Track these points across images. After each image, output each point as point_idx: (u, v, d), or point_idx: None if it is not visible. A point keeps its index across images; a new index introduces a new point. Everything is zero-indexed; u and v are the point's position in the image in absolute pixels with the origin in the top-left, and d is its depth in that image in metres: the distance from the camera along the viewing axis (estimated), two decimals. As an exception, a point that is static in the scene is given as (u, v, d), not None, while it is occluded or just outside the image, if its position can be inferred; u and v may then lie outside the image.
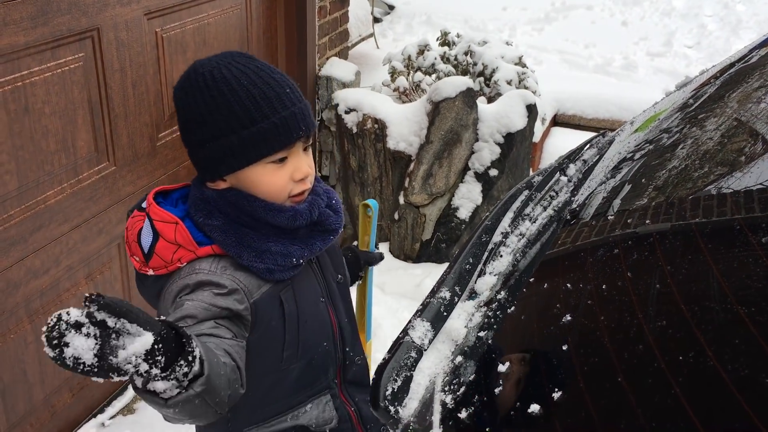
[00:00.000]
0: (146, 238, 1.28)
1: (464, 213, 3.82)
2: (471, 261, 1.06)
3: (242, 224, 1.27)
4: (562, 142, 4.50)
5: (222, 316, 1.21)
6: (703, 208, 1.05)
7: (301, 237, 1.31)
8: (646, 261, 0.98)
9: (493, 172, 3.75)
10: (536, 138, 4.19)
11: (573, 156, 1.31)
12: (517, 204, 1.18)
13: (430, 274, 3.74)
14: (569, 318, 0.85)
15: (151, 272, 1.29)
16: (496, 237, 1.10)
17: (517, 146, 3.76)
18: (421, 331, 0.99)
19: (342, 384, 1.54)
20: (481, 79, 4.16)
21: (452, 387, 0.91)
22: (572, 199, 1.15)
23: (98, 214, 2.55)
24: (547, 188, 1.20)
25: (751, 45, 1.49)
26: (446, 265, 3.89)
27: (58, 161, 2.32)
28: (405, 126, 3.74)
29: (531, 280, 1.04)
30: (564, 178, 1.23)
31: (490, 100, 4.09)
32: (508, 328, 0.94)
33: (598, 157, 1.27)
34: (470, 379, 0.88)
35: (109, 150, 2.54)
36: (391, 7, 7.43)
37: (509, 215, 1.14)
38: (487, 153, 3.73)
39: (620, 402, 0.70)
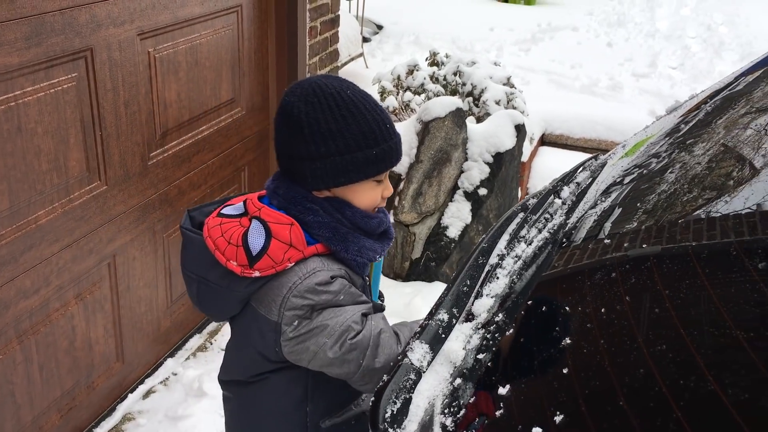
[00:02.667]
0: (257, 240, 1.36)
1: (454, 232, 3.84)
2: (468, 283, 1.07)
3: (341, 225, 1.43)
4: (550, 161, 4.55)
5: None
6: (693, 232, 1.08)
7: (377, 239, 1.50)
8: (641, 283, 0.99)
9: (483, 191, 3.77)
10: (525, 157, 4.23)
11: (566, 179, 1.33)
12: (512, 226, 1.19)
13: (419, 292, 3.75)
14: (568, 341, 0.86)
15: (256, 273, 1.36)
16: (493, 259, 1.11)
17: (506, 165, 3.79)
18: (419, 353, 1.00)
19: None
20: (470, 99, 4.20)
21: (452, 409, 0.92)
22: (566, 221, 1.17)
23: (89, 234, 2.54)
24: (541, 211, 1.22)
25: (738, 72, 1.53)
26: (436, 283, 3.91)
27: (49, 181, 2.31)
28: (395, 145, 3.76)
29: (528, 302, 1.05)
30: (558, 201, 1.25)
31: (479, 119, 4.13)
32: (506, 350, 0.95)
33: (591, 179, 1.30)
34: (470, 401, 0.89)
35: (100, 169, 2.54)
36: (380, 27, 7.50)
37: (505, 237, 1.16)
38: (476, 172, 3.76)
39: (621, 425, 0.71)
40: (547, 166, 4.48)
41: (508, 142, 3.72)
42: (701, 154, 1.27)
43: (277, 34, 3.66)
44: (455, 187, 3.83)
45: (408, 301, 3.66)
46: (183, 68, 2.92)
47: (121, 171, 2.65)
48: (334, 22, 4.36)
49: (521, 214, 1.22)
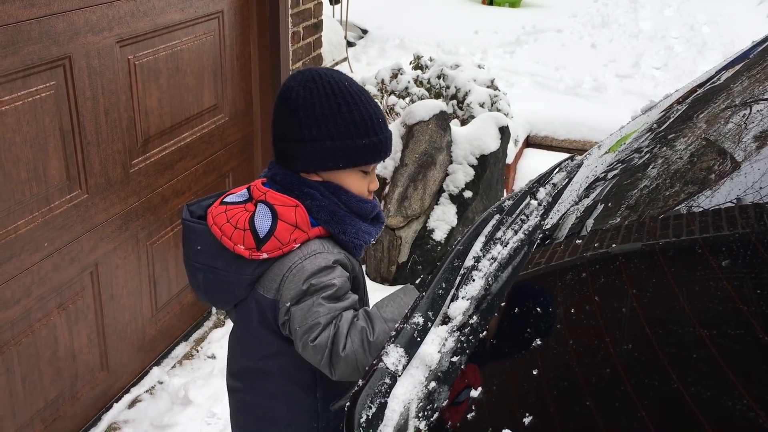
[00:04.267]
0: (264, 222, 1.41)
1: (440, 235, 3.84)
2: (444, 286, 1.07)
3: (339, 209, 1.48)
4: (535, 163, 4.56)
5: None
6: (673, 228, 1.08)
7: (371, 223, 1.56)
8: (615, 283, 0.99)
9: (468, 194, 3.78)
10: (509, 159, 4.23)
11: (543, 180, 1.33)
12: (488, 228, 1.19)
13: (406, 296, 3.74)
14: (539, 342, 0.86)
15: (264, 256, 1.41)
16: (469, 261, 1.11)
17: (491, 168, 3.80)
18: (394, 357, 0.99)
19: None
20: (454, 102, 4.21)
21: (426, 413, 0.91)
22: (542, 222, 1.17)
23: (70, 243, 2.52)
24: (517, 212, 1.22)
25: (718, 66, 1.53)
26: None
27: (29, 190, 2.29)
28: (379, 149, 3.76)
29: (503, 304, 1.05)
30: (534, 202, 1.25)
31: (464, 122, 4.14)
32: (480, 353, 0.95)
33: (567, 180, 1.30)
34: (444, 404, 0.89)
35: (81, 178, 2.52)
36: (365, 31, 7.51)
37: (481, 239, 1.16)
38: (461, 175, 3.76)
39: (589, 426, 0.71)
40: (532, 168, 4.49)
41: (492, 144, 3.73)
42: (683, 148, 1.28)
43: (260, 40, 3.66)
44: (440, 190, 3.83)
45: (395, 304, 3.65)
46: (164, 75, 2.91)
47: (103, 179, 2.63)
48: (317, 26, 4.36)
49: (497, 216, 1.23)
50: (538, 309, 1.02)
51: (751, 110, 1.29)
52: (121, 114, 2.67)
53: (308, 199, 1.46)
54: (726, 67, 1.59)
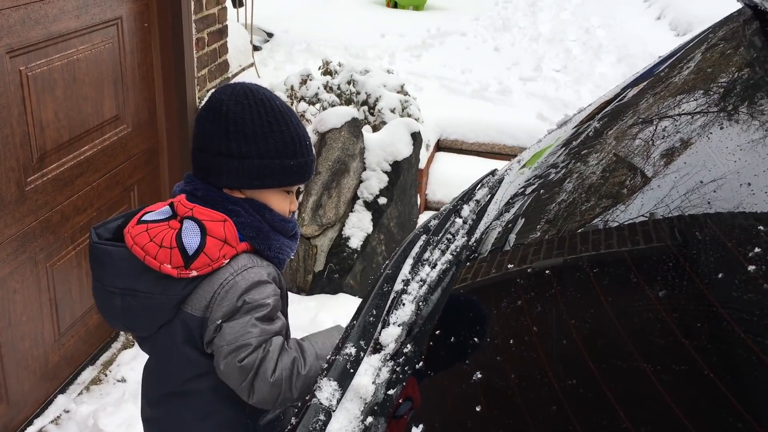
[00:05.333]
0: (193, 239, 1.37)
1: (355, 242, 3.81)
2: (374, 312, 1.04)
3: (263, 226, 1.47)
4: (446, 167, 4.61)
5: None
6: (592, 242, 1.09)
7: (291, 239, 1.56)
8: (544, 297, 1.00)
9: (382, 200, 3.77)
10: (422, 164, 4.26)
11: (466, 197, 1.33)
12: (416, 250, 1.18)
13: (324, 306, 3.70)
14: (479, 376, 0.84)
15: (194, 273, 1.37)
16: (398, 285, 1.09)
17: (404, 173, 3.81)
18: (328, 392, 0.96)
19: None
20: (365, 108, 4.20)
21: (364, 449, 0.88)
22: (468, 241, 1.16)
23: (-40, 270, 2.33)
24: (443, 231, 1.21)
25: (623, 84, 1.58)
26: (340, 295, 3.87)
27: None
28: (292, 157, 3.69)
29: (436, 330, 1.03)
30: (459, 220, 1.25)
31: (375, 128, 4.13)
32: (417, 384, 0.93)
33: (489, 196, 1.30)
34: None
35: (-30, 199, 2.34)
36: (270, 35, 7.38)
37: (409, 261, 1.14)
38: (375, 181, 3.75)
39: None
40: (444, 172, 4.54)
41: (405, 150, 3.74)
42: (595, 164, 1.30)
43: (162, 47, 3.52)
44: (355, 198, 3.81)
45: (313, 315, 3.60)
46: (60, 86, 2.74)
47: (-5, 199, 2.45)
48: (222, 32, 4.24)
49: (423, 237, 1.21)
50: (470, 329, 1.01)
51: (656, 127, 1.33)
52: (13, 129, 2.50)
53: (233, 216, 1.43)
54: (631, 85, 1.64)
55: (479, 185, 1.37)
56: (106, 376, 3.22)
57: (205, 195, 1.45)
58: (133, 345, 3.43)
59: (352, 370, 0.98)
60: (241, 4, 6.49)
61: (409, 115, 4.15)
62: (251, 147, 1.41)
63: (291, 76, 4.34)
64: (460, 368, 0.97)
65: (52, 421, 2.89)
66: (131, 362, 3.28)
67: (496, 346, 0.95)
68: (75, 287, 3.06)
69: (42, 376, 2.92)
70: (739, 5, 1.44)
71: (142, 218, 1.44)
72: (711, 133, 1.13)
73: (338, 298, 3.77)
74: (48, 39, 2.63)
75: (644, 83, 1.47)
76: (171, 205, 1.47)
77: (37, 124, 2.62)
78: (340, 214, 3.78)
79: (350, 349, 1.00)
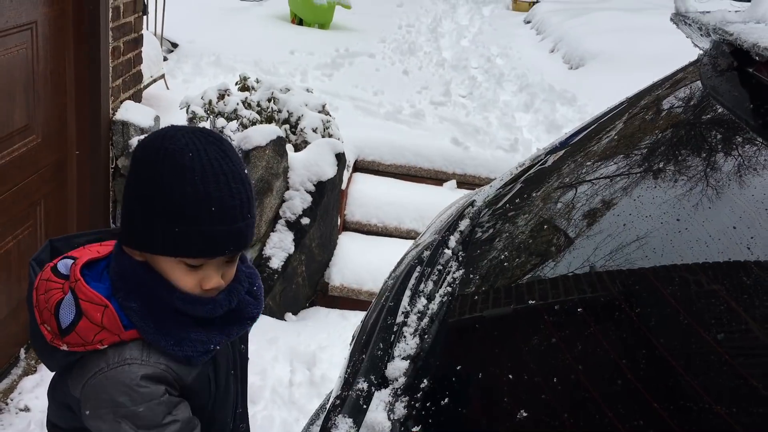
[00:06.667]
0: (67, 316, 1.19)
1: (276, 262, 3.74)
2: (381, 346, 1.03)
3: (160, 310, 1.21)
4: (365, 187, 4.63)
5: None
6: (517, 297, 1.14)
7: (218, 324, 1.26)
8: (538, 331, 1.03)
9: (305, 221, 3.73)
10: (343, 185, 4.26)
11: (451, 227, 1.35)
12: (412, 281, 1.18)
13: (243, 327, 3.59)
14: (485, 393, 0.85)
15: (64, 347, 1.20)
16: (399, 318, 1.08)
17: (328, 194, 3.79)
18: (344, 429, 0.93)
19: None
20: (287, 126, 4.15)
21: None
22: (460, 272, 1.18)
23: None
24: (435, 263, 1.22)
25: (543, 150, 1.66)
26: (261, 317, 3.79)
27: None
28: (212, 175, 3.59)
29: (439, 362, 1.03)
30: (448, 251, 1.26)
31: (297, 147, 4.09)
32: (435, 420, 0.92)
33: (471, 227, 1.33)
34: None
35: None
36: (175, 45, 7.16)
37: (407, 294, 1.14)
38: (298, 201, 3.71)
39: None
40: (363, 193, 4.55)
41: (329, 170, 3.72)
42: (524, 224, 1.35)
43: (76, 55, 3.33)
44: (277, 217, 3.75)
45: (232, 337, 3.48)
46: (-30, 91, 2.54)
47: None
48: (137, 41, 4.07)
49: (419, 268, 1.21)
50: (474, 361, 1.03)
51: (577, 191, 1.39)
52: None
53: (120, 297, 1.20)
54: (551, 152, 1.70)
55: (461, 217, 1.39)
56: (6, 405, 2.97)
57: (116, 264, 1.23)
58: (35, 371, 3.19)
59: (365, 406, 0.97)
60: (145, 12, 6.26)
61: (330, 135, 4.14)
62: (140, 198, 1.17)
63: (208, 90, 4.22)
64: (470, 397, 0.98)
65: (-54, 458, 2.63)
66: (34, 389, 3.05)
67: (498, 375, 0.97)
68: (-25, 309, 2.82)
69: (-65, 407, 2.66)
70: (693, 51, 1.55)
71: (57, 265, 1.27)
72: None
73: (258, 320, 3.68)
74: (-40, 41, 2.43)
75: (562, 151, 1.55)
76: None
77: (-56, 133, 2.41)
78: (261, 233, 3.71)
79: (362, 384, 0.98)
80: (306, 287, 3.99)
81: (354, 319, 3.84)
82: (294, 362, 3.39)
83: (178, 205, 1.13)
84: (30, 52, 2.94)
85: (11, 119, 2.85)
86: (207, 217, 1.14)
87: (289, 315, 3.89)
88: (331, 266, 4.09)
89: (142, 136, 1.25)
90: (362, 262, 4.08)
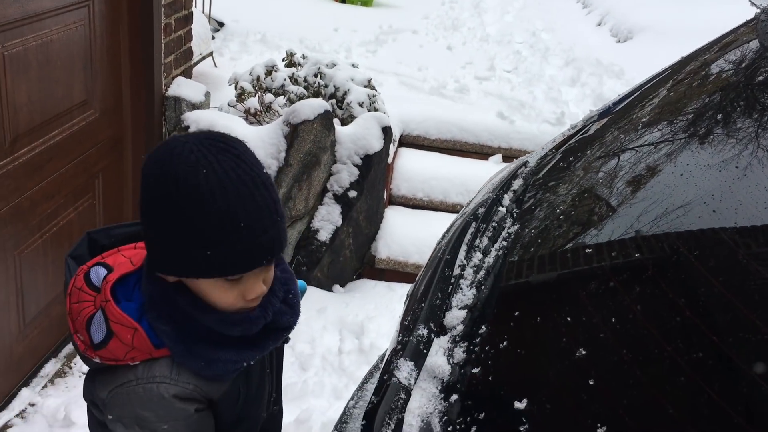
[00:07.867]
0: (98, 333, 1.17)
1: (324, 235, 3.81)
2: (440, 296, 1.07)
3: (192, 331, 1.18)
4: (411, 162, 4.65)
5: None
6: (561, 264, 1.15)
7: (253, 340, 1.23)
8: (602, 289, 1.05)
9: (352, 194, 3.78)
10: (389, 159, 4.29)
11: (505, 186, 1.37)
12: (468, 236, 1.21)
13: (292, 298, 3.68)
14: (549, 347, 0.89)
15: (97, 360, 1.18)
16: (456, 270, 1.12)
17: (375, 168, 3.83)
18: (406, 371, 0.98)
19: None
20: (333, 101, 4.19)
21: (450, 428, 0.91)
22: (514, 229, 1.21)
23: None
24: (489, 220, 1.25)
25: (586, 117, 1.65)
26: (309, 288, 3.86)
27: None
28: (261, 149, 3.66)
29: (498, 312, 1.07)
30: (502, 209, 1.29)
31: (344, 122, 4.13)
32: (494, 363, 0.96)
33: (524, 187, 1.35)
34: (475, 417, 0.89)
35: (-56, 182, 2.23)
36: (221, 24, 7.25)
37: (464, 248, 1.17)
38: (345, 175, 3.76)
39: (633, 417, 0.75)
40: (409, 168, 4.58)
41: (376, 144, 3.76)
42: (565, 193, 1.36)
43: (130, 31, 3.42)
44: (324, 190, 3.81)
45: (282, 307, 3.57)
46: (34, 67, 2.64)
47: (-31, 183, 2.35)
48: (188, 19, 4.15)
49: (474, 224, 1.24)
50: (528, 313, 1.05)
51: (619, 159, 1.39)
52: (-11, 110, 2.40)
53: (152, 318, 1.18)
54: (594, 120, 1.69)
55: (514, 176, 1.41)
56: (70, 368, 3.12)
57: (147, 286, 1.20)
58: (97, 337, 3.33)
59: (425, 351, 1.01)
60: (193, -8, 6.35)
61: (376, 110, 4.17)
62: (166, 225, 1.11)
63: (256, 66, 4.29)
64: (527, 344, 1.01)
65: (17, 415, 2.78)
66: (96, 355, 3.19)
67: (556, 330, 1.00)
68: (41, 276, 2.95)
69: (5, 368, 2.81)
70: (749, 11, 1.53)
71: (89, 273, 1.24)
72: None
73: (306, 291, 3.76)
74: (24, 18, 2.53)
75: (606, 119, 1.54)
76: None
77: (11, 106, 2.52)
78: (310, 206, 3.77)
79: (422, 331, 1.03)
80: (353, 259, 4.05)
81: (401, 291, 3.88)
82: (343, 331, 3.46)
83: (205, 231, 1.08)
84: (87, 28, 3.03)
85: (71, 94, 2.96)
86: (236, 235, 1.09)
87: (336, 287, 3.97)
88: (377, 239, 4.14)
89: (156, 148, 1.08)
90: (408, 235, 4.12)
